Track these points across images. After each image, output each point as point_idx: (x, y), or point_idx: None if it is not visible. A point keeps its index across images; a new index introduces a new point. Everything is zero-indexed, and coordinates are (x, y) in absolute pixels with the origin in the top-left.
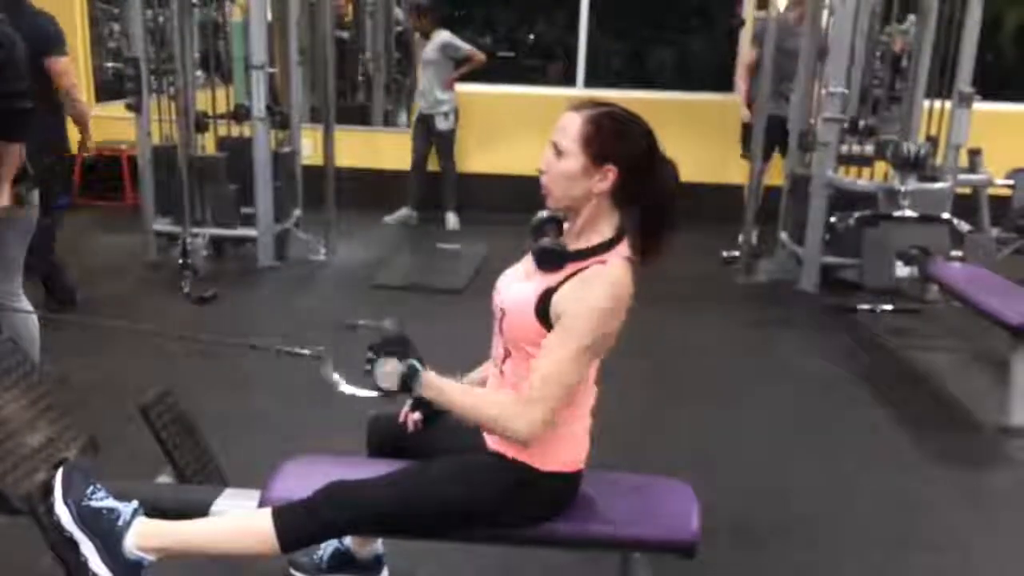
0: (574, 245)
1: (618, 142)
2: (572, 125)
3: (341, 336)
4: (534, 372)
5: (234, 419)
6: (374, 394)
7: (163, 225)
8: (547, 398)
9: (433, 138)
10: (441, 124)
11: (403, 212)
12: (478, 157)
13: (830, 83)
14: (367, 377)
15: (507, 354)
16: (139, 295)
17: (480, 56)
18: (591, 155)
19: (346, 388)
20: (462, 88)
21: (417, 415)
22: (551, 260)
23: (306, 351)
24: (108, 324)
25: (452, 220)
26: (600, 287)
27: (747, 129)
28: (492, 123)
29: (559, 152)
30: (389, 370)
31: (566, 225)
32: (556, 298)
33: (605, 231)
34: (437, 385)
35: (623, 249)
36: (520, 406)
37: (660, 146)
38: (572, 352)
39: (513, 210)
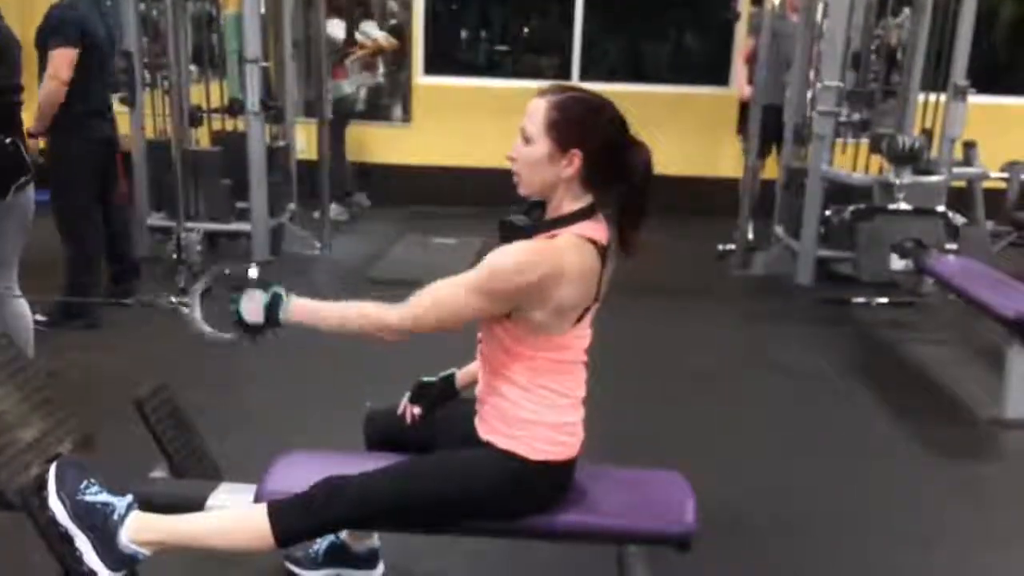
0: None
1: (583, 127)
2: (538, 111)
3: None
4: (426, 288)
5: (230, 414)
6: (235, 336)
7: (157, 220)
8: (418, 308)
9: None
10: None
11: (354, 198)
12: (473, 151)
13: (824, 77)
14: (235, 323)
15: (483, 336)
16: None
17: (365, 43)
18: (556, 141)
19: (207, 329)
20: (452, 81)
21: (416, 408)
22: (508, 232)
23: (172, 300)
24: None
25: (335, 210)
26: (526, 245)
27: (744, 111)
28: (486, 117)
29: (526, 139)
30: (253, 304)
31: None
32: None
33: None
34: (305, 306)
35: (584, 228)
36: (393, 308)
37: (630, 131)
38: (465, 283)
39: (509, 204)
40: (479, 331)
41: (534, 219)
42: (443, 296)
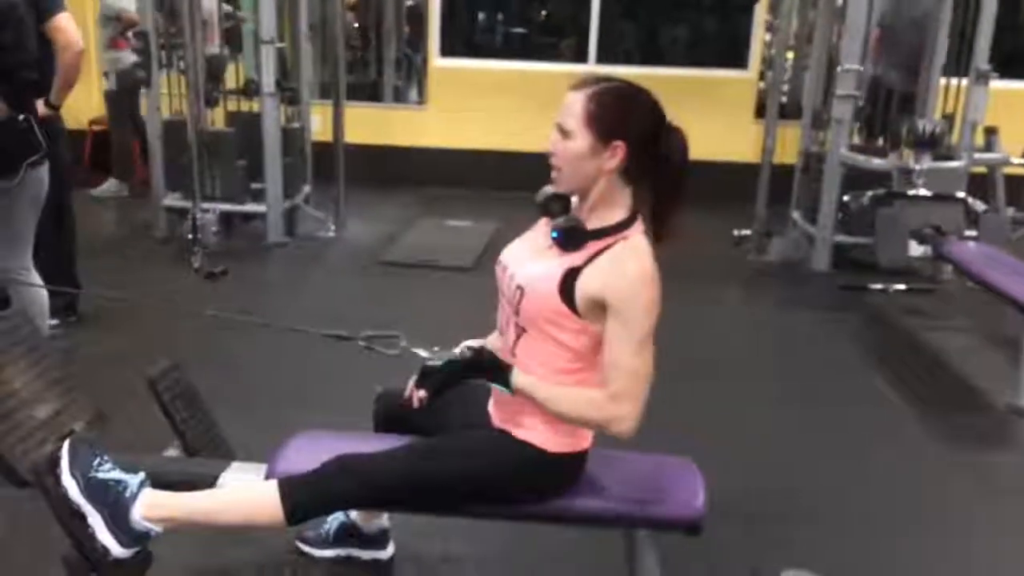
0: (592, 224)
1: (624, 117)
2: (575, 105)
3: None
4: (614, 368)
5: (241, 393)
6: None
7: (173, 200)
8: (637, 394)
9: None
10: (104, 83)
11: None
12: (488, 134)
13: (844, 60)
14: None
15: (519, 334)
16: (149, 270)
17: (130, 16)
18: (597, 133)
19: (432, 357)
20: (468, 63)
21: (423, 392)
22: (575, 239)
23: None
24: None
25: (108, 185)
26: (637, 263)
27: None
28: (502, 100)
29: (565, 133)
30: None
31: (573, 200)
32: (585, 279)
33: (619, 209)
34: (526, 382)
35: (640, 225)
36: (615, 405)
37: (666, 116)
38: (642, 342)
39: (524, 187)
40: (507, 326)
41: (558, 212)
42: (638, 370)
